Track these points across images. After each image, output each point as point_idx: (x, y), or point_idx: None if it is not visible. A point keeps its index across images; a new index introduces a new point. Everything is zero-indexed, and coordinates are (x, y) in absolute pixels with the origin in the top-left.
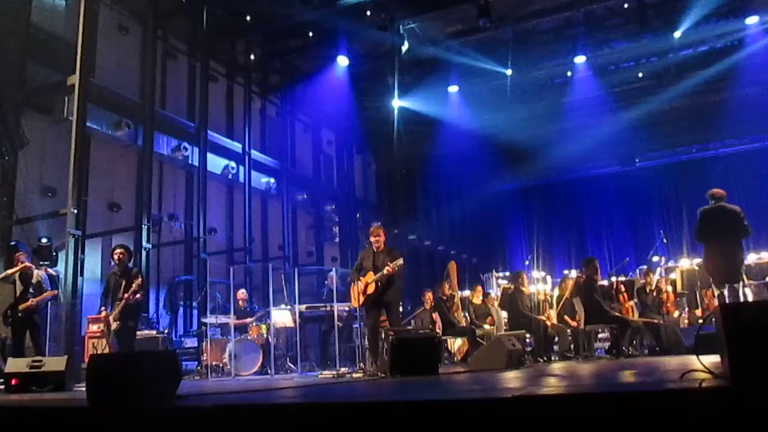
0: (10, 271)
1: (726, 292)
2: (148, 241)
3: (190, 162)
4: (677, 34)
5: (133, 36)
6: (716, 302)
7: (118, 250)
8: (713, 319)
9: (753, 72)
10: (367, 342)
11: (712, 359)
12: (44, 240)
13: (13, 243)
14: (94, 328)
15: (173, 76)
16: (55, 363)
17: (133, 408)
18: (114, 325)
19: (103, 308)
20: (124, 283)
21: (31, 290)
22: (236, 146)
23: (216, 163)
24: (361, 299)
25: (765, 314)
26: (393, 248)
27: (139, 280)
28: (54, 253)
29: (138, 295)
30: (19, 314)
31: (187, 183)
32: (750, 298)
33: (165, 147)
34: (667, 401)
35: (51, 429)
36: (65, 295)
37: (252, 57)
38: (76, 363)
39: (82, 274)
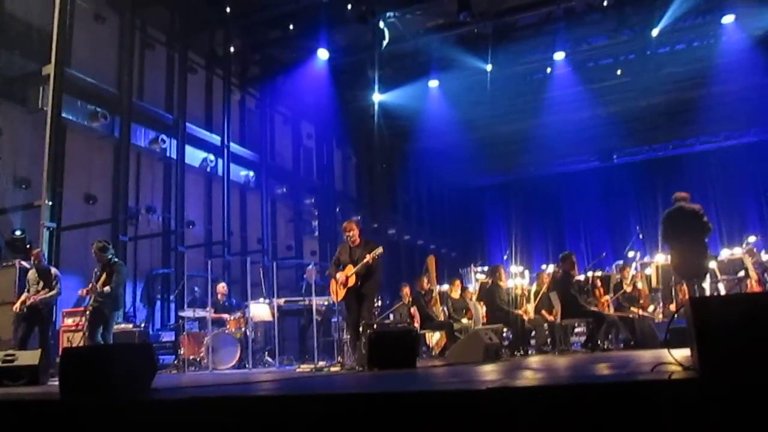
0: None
1: (695, 288)
2: (124, 233)
3: (167, 154)
4: (655, 32)
5: (110, 25)
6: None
7: (92, 248)
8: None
9: (728, 70)
10: (347, 336)
11: (684, 352)
12: (18, 232)
13: None
14: (69, 321)
15: (151, 66)
16: (28, 357)
17: (107, 401)
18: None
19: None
20: (103, 275)
21: (38, 287)
22: (215, 138)
23: (194, 156)
24: (342, 293)
25: (732, 308)
26: (369, 241)
27: (114, 274)
28: (28, 246)
29: (106, 288)
30: (25, 310)
31: (165, 175)
32: (723, 293)
33: (142, 138)
34: (638, 392)
35: (23, 422)
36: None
37: (231, 48)
38: (51, 357)
39: (57, 267)
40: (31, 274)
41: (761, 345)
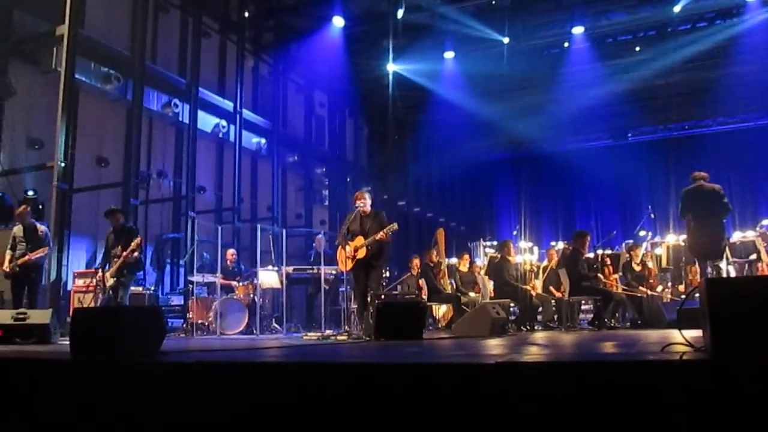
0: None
1: (709, 269)
2: (135, 197)
3: (180, 119)
4: (677, 9)
5: None
6: (699, 278)
7: (109, 217)
8: (696, 294)
9: (749, 50)
10: (354, 305)
11: (693, 333)
12: (30, 192)
13: None
14: (79, 282)
15: (165, 30)
16: (39, 316)
17: (116, 362)
18: (110, 281)
19: (100, 268)
20: (121, 242)
21: (29, 245)
22: (227, 104)
23: (206, 121)
24: (350, 264)
25: (748, 289)
26: (379, 211)
27: (138, 239)
28: (40, 207)
29: (136, 254)
30: (17, 268)
31: (177, 140)
32: (732, 276)
33: (155, 102)
34: (648, 372)
35: (33, 381)
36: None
37: (246, 14)
38: (61, 317)
39: (68, 228)
40: (18, 231)
41: None
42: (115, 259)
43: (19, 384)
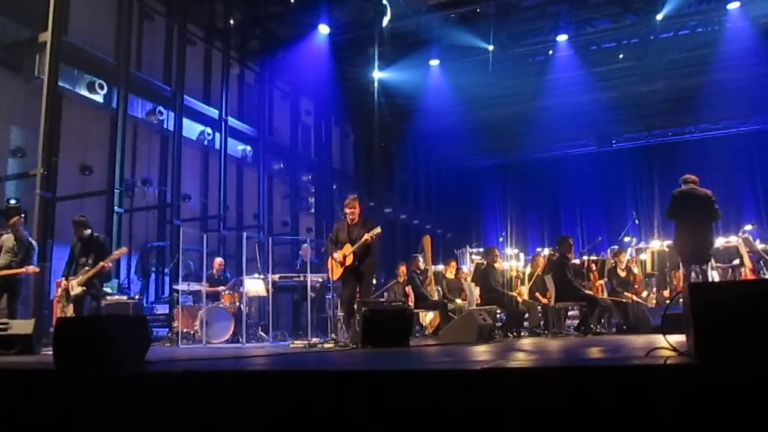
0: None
1: (693, 273)
2: (120, 205)
3: (165, 126)
4: (659, 17)
5: None
6: (684, 282)
7: (75, 227)
8: (680, 300)
9: (731, 58)
10: (341, 313)
11: (677, 338)
12: (13, 201)
13: None
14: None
15: (150, 37)
16: (22, 326)
17: (101, 372)
18: (77, 290)
19: (63, 277)
20: (91, 252)
21: (16, 258)
22: (213, 112)
23: (191, 129)
24: (339, 272)
25: (731, 294)
26: (368, 219)
27: (123, 249)
28: (23, 216)
29: (110, 264)
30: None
31: (162, 148)
32: (716, 281)
33: (140, 110)
34: (633, 376)
35: (16, 391)
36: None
37: (231, 21)
38: (44, 326)
39: (51, 237)
40: (8, 241)
41: (758, 332)
42: (86, 269)
43: (2, 395)
